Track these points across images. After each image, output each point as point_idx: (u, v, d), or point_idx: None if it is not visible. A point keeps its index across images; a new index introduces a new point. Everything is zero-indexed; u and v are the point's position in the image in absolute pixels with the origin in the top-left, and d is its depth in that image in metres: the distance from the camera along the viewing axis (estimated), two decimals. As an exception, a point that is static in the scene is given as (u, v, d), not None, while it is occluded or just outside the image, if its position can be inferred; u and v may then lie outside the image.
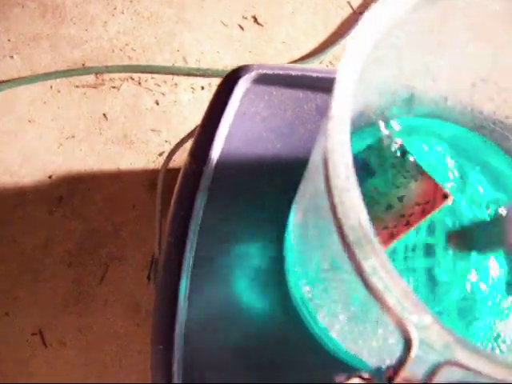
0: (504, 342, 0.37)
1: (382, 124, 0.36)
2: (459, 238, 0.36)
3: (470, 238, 0.36)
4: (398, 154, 0.34)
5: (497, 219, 0.37)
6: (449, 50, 0.33)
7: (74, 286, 0.72)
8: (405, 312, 0.21)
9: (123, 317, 0.72)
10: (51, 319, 0.71)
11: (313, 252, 0.31)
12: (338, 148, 0.21)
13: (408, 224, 0.33)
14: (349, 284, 0.26)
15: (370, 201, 0.33)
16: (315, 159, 0.28)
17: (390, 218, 0.32)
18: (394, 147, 0.35)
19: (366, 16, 0.25)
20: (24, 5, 0.85)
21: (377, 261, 0.20)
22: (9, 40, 0.83)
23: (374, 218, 0.32)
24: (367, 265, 0.21)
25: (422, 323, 0.21)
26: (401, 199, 0.33)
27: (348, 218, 0.21)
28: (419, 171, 0.34)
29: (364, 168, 0.34)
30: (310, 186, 0.29)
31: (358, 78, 0.25)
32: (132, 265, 0.73)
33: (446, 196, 0.33)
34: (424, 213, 0.33)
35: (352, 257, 0.21)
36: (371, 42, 0.26)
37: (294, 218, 0.37)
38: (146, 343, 0.72)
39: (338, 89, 0.23)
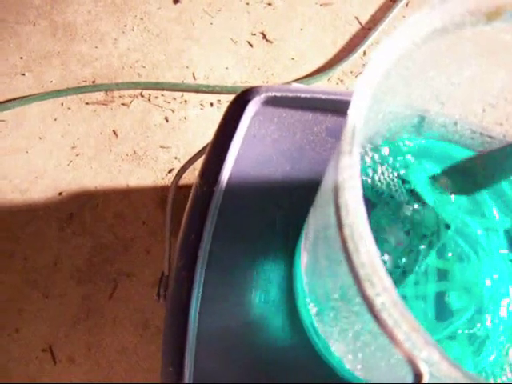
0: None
1: (369, 154, 0.36)
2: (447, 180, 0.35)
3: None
4: (396, 183, 0.34)
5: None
6: (458, 77, 0.33)
7: (83, 303, 0.73)
8: (414, 348, 0.21)
9: (132, 333, 0.72)
10: (61, 336, 0.72)
11: (323, 280, 0.31)
12: (348, 185, 0.21)
13: (417, 259, 0.32)
14: (359, 316, 0.26)
15: (378, 238, 0.33)
16: (326, 189, 0.28)
17: (400, 254, 0.32)
18: (389, 177, 0.34)
19: (376, 50, 0.25)
20: (35, 23, 0.86)
21: (387, 298, 0.21)
22: (20, 58, 0.84)
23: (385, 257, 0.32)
24: (377, 301, 0.21)
25: (431, 360, 0.21)
26: (407, 233, 0.33)
27: (359, 254, 0.21)
28: (420, 201, 0.33)
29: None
30: (320, 216, 0.29)
31: (368, 109, 0.25)
32: (141, 281, 0.73)
33: (447, 226, 0.33)
34: (431, 244, 0.33)
35: (362, 292, 0.22)
36: (381, 74, 0.26)
37: (304, 245, 0.37)
38: (155, 360, 0.72)
39: (349, 124, 0.23)
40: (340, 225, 0.22)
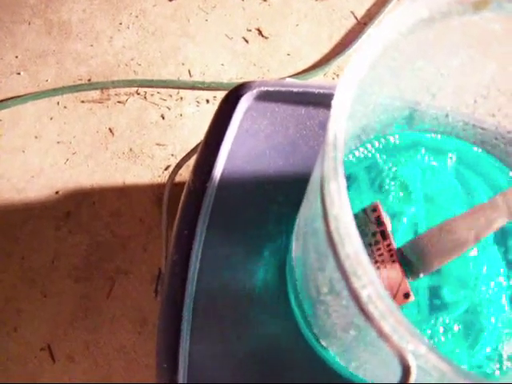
0: (509, 359, 0.37)
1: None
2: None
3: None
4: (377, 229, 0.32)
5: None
6: (448, 69, 0.33)
7: (81, 301, 0.73)
8: (401, 340, 0.21)
9: (130, 331, 0.72)
10: (59, 334, 0.72)
11: (313, 274, 0.31)
12: (333, 176, 0.21)
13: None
14: (347, 309, 0.26)
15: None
16: (314, 181, 0.28)
17: None
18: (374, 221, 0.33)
19: (362, 41, 0.25)
20: (30, 22, 0.85)
21: (373, 291, 0.20)
22: (16, 57, 0.83)
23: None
24: (363, 293, 0.21)
25: (417, 352, 0.21)
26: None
27: (343, 246, 0.21)
28: (391, 258, 0.32)
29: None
30: (309, 209, 0.29)
31: (356, 100, 0.25)
32: (139, 279, 0.73)
33: (407, 296, 0.32)
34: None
35: (348, 285, 0.21)
36: (365, 66, 0.26)
37: (296, 239, 0.37)
38: (153, 357, 0.72)
39: (333, 116, 0.23)
40: (325, 216, 0.22)
